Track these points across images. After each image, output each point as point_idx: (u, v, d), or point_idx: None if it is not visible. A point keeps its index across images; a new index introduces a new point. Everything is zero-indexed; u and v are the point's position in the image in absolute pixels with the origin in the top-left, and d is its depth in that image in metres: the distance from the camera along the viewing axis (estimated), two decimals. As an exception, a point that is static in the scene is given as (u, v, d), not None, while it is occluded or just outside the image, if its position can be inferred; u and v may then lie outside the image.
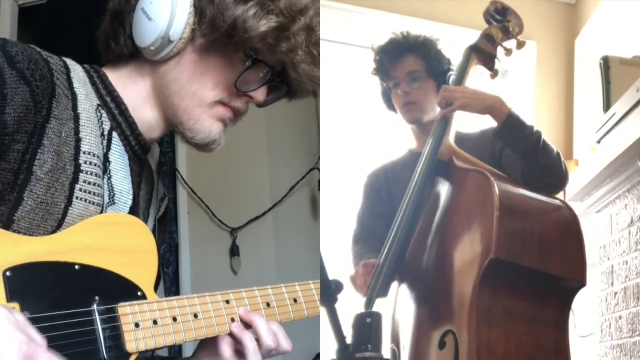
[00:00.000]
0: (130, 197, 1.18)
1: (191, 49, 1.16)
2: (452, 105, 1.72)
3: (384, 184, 2.01)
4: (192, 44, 1.15)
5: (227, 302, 1.18)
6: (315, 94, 1.25)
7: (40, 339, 0.90)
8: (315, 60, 1.15)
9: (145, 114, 1.20)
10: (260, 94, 1.20)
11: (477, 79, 1.85)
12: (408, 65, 1.96)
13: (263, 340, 1.17)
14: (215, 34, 1.13)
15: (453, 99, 1.72)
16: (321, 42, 1.16)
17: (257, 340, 1.18)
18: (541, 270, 1.41)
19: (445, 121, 1.73)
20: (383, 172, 2.06)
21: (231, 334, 1.17)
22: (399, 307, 1.67)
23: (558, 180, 1.68)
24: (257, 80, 1.18)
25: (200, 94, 1.17)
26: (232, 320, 1.17)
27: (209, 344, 1.20)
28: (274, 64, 1.17)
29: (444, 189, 1.65)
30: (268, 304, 1.23)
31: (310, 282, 1.30)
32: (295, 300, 1.26)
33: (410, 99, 1.93)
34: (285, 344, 1.19)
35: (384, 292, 1.62)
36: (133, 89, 1.19)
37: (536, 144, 1.65)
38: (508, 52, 1.87)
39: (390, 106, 2.04)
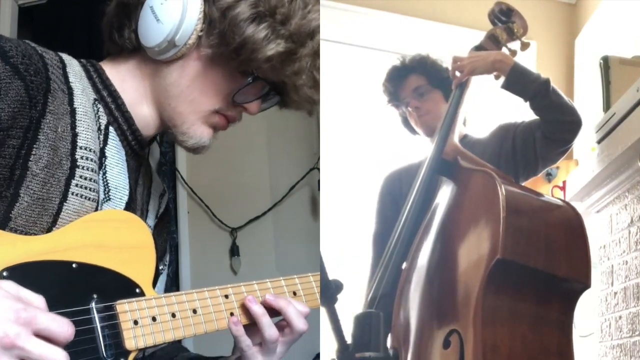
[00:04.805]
0: (127, 192, 1.18)
1: (196, 56, 1.15)
2: (462, 74, 1.82)
3: (399, 188, 2.07)
4: (197, 50, 1.14)
5: (226, 297, 1.18)
6: (310, 113, 1.26)
7: (36, 299, 0.90)
8: (316, 84, 1.16)
9: (142, 111, 1.20)
10: (255, 107, 1.21)
11: (481, 78, 1.88)
12: (411, 83, 2.10)
13: (294, 325, 1.18)
14: (223, 49, 1.12)
15: (462, 68, 1.82)
16: (321, 42, 1.16)
17: (289, 327, 1.19)
18: (546, 271, 1.40)
19: (450, 121, 1.75)
20: (398, 175, 2.14)
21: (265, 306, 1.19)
22: (401, 306, 1.67)
23: (576, 116, 1.83)
24: (254, 94, 1.18)
25: (198, 102, 1.17)
26: (232, 314, 1.17)
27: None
28: (274, 81, 1.17)
29: (448, 188, 1.65)
30: None
31: (310, 274, 1.29)
32: (294, 294, 1.26)
33: (422, 111, 2.06)
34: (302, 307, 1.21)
35: (388, 290, 1.62)
36: (131, 84, 1.19)
37: (546, 86, 1.78)
38: (513, 53, 1.91)
39: (412, 130, 2.15)
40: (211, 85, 1.16)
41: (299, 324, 1.18)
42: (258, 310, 1.17)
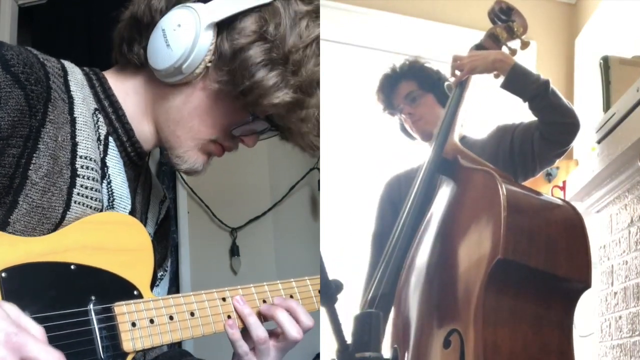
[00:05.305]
0: (129, 202, 1.18)
1: (202, 85, 1.13)
2: (462, 72, 1.82)
3: (398, 193, 2.07)
4: (203, 80, 1.13)
5: (224, 299, 1.18)
6: (313, 156, 1.25)
7: (36, 329, 0.88)
8: (318, 130, 1.14)
9: (141, 126, 1.19)
10: (252, 140, 1.21)
11: (482, 77, 1.88)
12: (403, 90, 2.11)
13: (286, 333, 1.18)
14: (230, 88, 1.11)
15: (462, 67, 1.83)
16: (321, 42, 1.13)
17: (282, 334, 1.19)
18: (547, 271, 1.40)
19: (450, 120, 1.75)
20: (397, 180, 2.14)
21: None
22: (401, 305, 1.66)
23: (574, 118, 1.83)
24: (253, 129, 1.18)
25: (197, 130, 1.16)
26: (229, 317, 1.18)
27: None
28: (279, 125, 1.16)
29: (448, 188, 1.64)
30: (264, 301, 1.23)
31: (307, 278, 1.30)
32: (291, 297, 1.26)
33: (416, 117, 2.07)
34: (308, 320, 1.21)
35: (389, 290, 1.62)
36: (134, 100, 1.18)
37: (546, 87, 1.79)
38: (513, 52, 1.91)
39: (410, 135, 2.15)
40: (212, 117, 1.15)
41: (292, 332, 1.18)
42: (244, 310, 1.18)
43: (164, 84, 1.14)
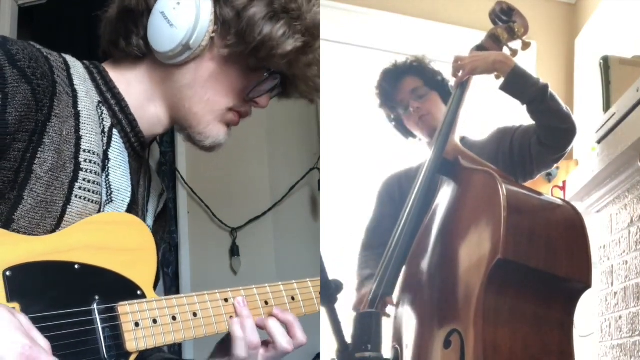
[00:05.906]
0: (129, 194, 1.18)
1: (209, 56, 1.15)
2: (463, 73, 1.82)
3: (397, 190, 2.06)
4: (210, 51, 1.15)
5: (226, 300, 1.19)
6: (313, 101, 1.27)
7: (44, 343, 0.90)
8: (319, 71, 1.18)
9: (149, 112, 1.20)
10: (266, 100, 1.22)
11: (483, 78, 1.88)
12: (409, 84, 2.07)
13: (277, 343, 1.19)
14: (241, 48, 1.13)
15: (463, 67, 1.83)
16: (321, 42, 1.17)
17: (273, 344, 1.20)
18: (547, 271, 1.41)
19: (451, 120, 1.75)
20: (397, 178, 2.13)
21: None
22: (402, 306, 1.67)
23: (571, 124, 1.82)
24: (265, 88, 1.20)
25: (213, 101, 1.18)
26: (231, 318, 1.18)
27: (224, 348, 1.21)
28: (286, 74, 1.19)
29: (449, 188, 1.65)
30: (266, 302, 1.23)
31: (308, 280, 1.30)
32: (293, 298, 1.27)
33: (423, 112, 2.03)
34: (302, 337, 1.22)
35: (389, 290, 1.62)
36: (138, 88, 1.19)
37: (544, 91, 1.78)
38: (513, 52, 1.91)
39: (407, 133, 2.13)
40: (225, 84, 1.17)
41: (282, 342, 1.19)
42: (243, 312, 1.19)
43: (170, 66, 1.16)
